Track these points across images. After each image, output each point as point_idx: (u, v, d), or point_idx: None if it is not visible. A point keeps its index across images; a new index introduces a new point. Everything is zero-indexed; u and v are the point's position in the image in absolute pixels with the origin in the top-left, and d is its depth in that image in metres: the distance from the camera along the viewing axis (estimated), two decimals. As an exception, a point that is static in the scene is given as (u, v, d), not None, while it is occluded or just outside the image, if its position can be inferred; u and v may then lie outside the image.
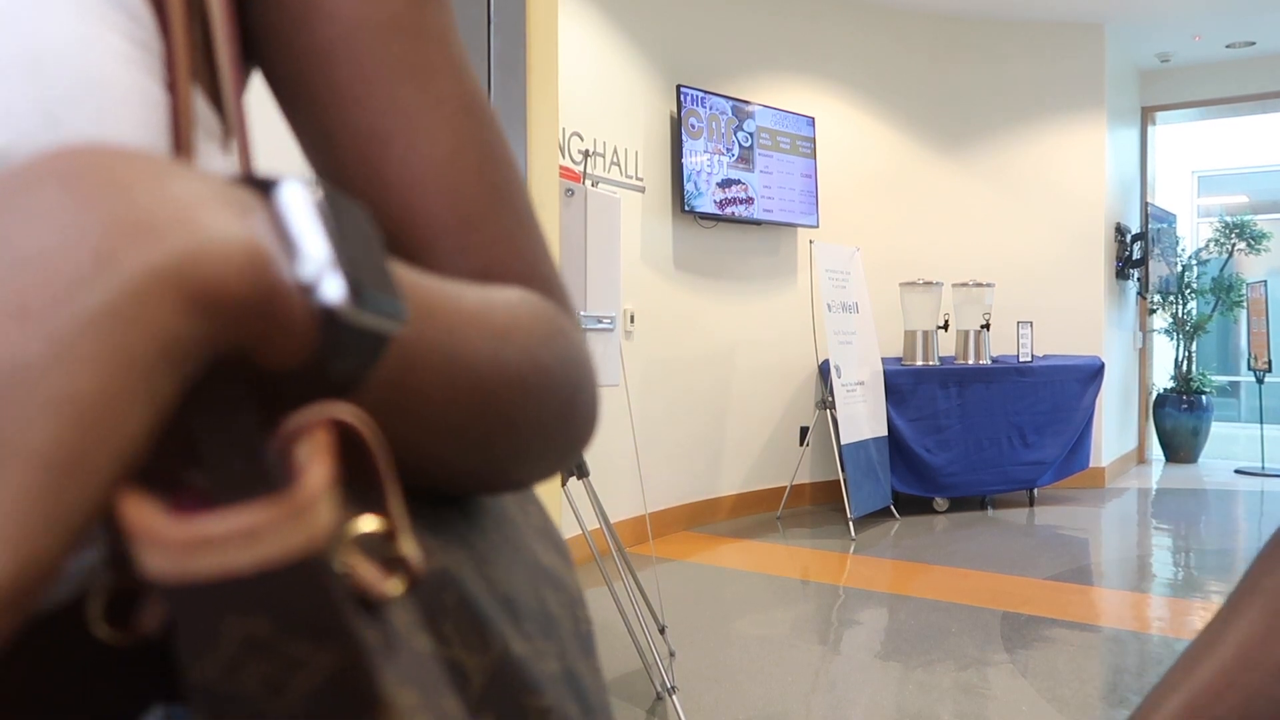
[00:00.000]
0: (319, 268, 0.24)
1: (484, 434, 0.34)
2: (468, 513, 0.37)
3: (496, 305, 0.36)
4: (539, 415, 0.37)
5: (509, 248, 0.41)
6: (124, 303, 0.20)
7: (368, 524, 0.26)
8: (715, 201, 5.16)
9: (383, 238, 0.28)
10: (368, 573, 0.25)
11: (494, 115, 0.43)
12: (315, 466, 0.23)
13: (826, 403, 5.18)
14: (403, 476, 0.30)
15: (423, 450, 0.33)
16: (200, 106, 0.36)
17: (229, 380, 0.23)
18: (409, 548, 0.27)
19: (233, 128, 0.38)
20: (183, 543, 0.21)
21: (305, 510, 0.22)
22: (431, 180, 0.39)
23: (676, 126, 5.04)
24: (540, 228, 0.44)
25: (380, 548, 0.26)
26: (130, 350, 0.20)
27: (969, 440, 5.46)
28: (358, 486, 0.26)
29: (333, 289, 0.24)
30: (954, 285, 5.75)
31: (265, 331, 0.24)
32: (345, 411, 0.25)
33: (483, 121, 0.42)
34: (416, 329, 0.29)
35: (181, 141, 0.34)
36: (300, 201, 0.25)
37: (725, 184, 5.22)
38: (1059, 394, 5.68)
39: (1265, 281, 7.82)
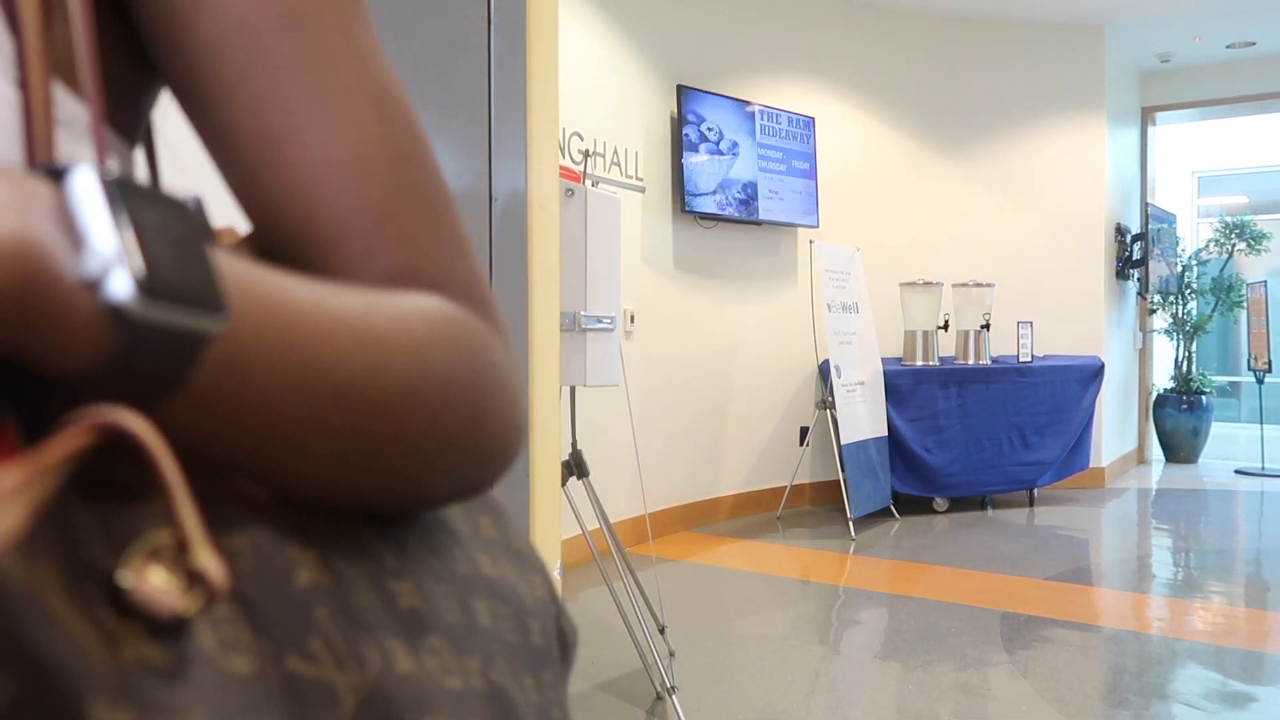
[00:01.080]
0: (104, 261, 0.23)
1: (365, 448, 0.32)
2: (387, 527, 0.36)
3: (382, 311, 0.34)
4: (434, 427, 0.34)
5: (421, 250, 0.38)
6: None
7: (159, 537, 0.24)
8: (715, 201, 5.16)
9: (209, 231, 0.27)
10: (158, 588, 0.24)
11: (411, 110, 0.41)
12: (5, 470, 0.21)
13: (826, 403, 5.18)
14: (291, 492, 0.29)
15: (288, 465, 0.31)
16: (71, 106, 0.34)
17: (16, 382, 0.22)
18: (206, 560, 0.25)
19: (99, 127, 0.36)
20: None
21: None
22: (332, 179, 0.37)
23: (677, 126, 5.04)
24: (462, 229, 0.41)
25: (179, 562, 0.25)
26: None
27: (969, 440, 5.46)
28: (155, 497, 0.25)
29: (120, 284, 0.23)
30: (954, 285, 5.74)
31: (36, 331, 0.22)
32: (121, 416, 0.23)
33: (394, 116, 0.39)
34: (254, 331, 0.28)
35: (34, 139, 0.32)
36: (92, 190, 0.23)
37: (725, 184, 5.22)
38: (1059, 394, 5.68)
39: (1265, 282, 7.82)
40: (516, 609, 0.39)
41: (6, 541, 0.20)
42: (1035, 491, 5.80)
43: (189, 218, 0.26)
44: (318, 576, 0.31)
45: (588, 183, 2.87)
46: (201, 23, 0.36)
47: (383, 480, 0.34)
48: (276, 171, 0.37)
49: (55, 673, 0.21)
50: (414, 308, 0.35)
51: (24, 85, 0.33)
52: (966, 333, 5.65)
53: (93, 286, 0.23)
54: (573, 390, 2.97)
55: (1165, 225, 7.65)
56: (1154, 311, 7.67)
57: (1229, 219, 7.95)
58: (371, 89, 0.39)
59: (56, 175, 0.24)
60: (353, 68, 0.38)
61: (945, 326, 5.64)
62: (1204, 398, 7.54)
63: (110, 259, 0.23)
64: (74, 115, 0.34)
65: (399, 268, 0.37)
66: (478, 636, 0.36)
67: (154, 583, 0.24)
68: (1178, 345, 7.70)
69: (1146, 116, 7.54)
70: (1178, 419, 7.56)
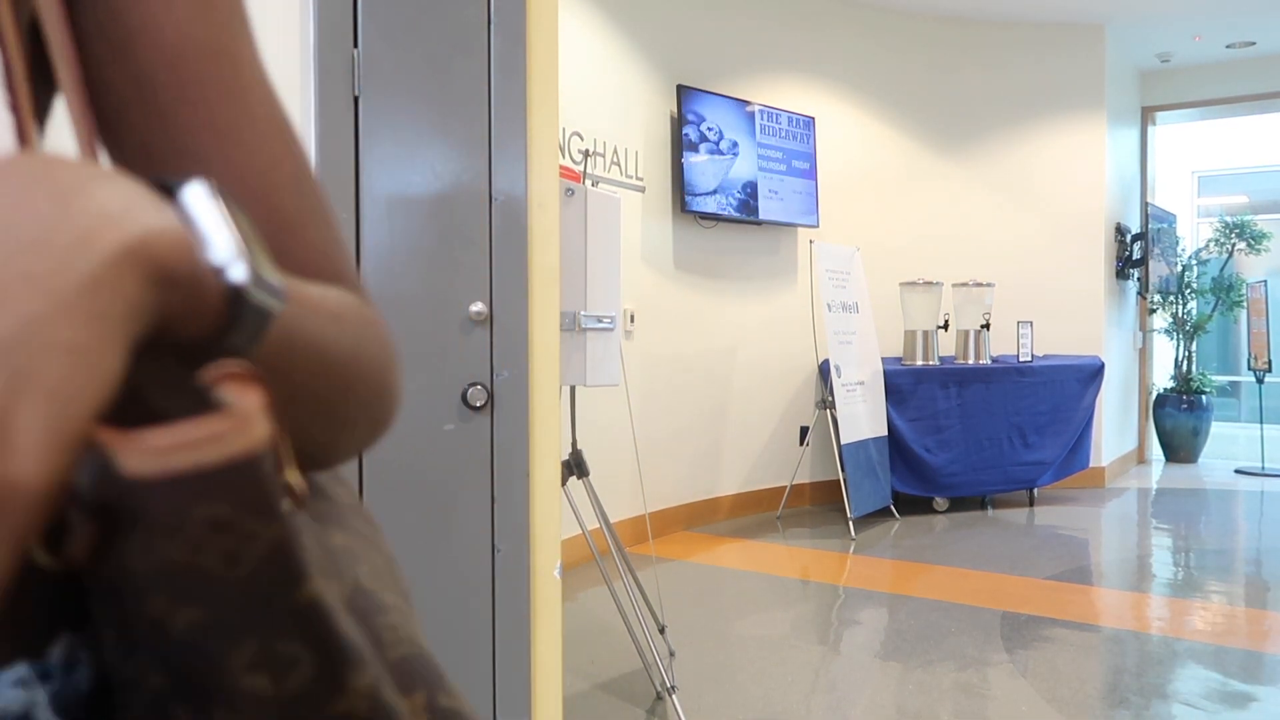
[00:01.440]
0: (229, 254, 0.30)
1: (329, 410, 0.39)
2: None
3: (330, 297, 0.40)
4: (362, 393, 0.41)
5: (321, 251, 0.45)
6: (104, 273, 0.25)
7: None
8: (715, 201, 5.16)
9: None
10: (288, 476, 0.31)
11: (296, 133, 0.47)
12: (252, 391, 0.29)
13: (826, 402, 5.18)
14: None
15: (292, 422, 0.36)
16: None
17: (158, 345, 0.29)
18: (294, 476, 0.32)
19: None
20: (165, 446, 0.27)
21: (252, 420, 0.28)
22: (249, 190, 0.43)
23: (677, 126, 5.04)
24: (342, 234, 0.48)
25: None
26: (110, 309, 0.25)
27: (969, 440, 5.46)
28: None
29: (238, 271, 0.30)
30: (954, 285, 5.75)
31: (189, 303, 0.29)
32: (245, 365, 0.30)
33: (291, 139, 0.45)
34: (289, 311, 0.34)
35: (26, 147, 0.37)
36: (205, 200, 0.31)
37: (725, 184, 5.22)
38: (1059, 394, 5.68)
39: (1265, 281, 7.82)
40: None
41: (266, 442, 0.29)
42: (1035, 491, 5.80)
43: (247, 219, 0.33)
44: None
45: (588, 182, 2.87)
46: (139, 54, 0.42)
47: (333, 437, 0.41)
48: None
49: (296, 528, 0.29)
50: (346, 298, 0.42)
51: (15, 108, 0.37)
52: (966, 332, 5.65)
53: (219, 272, 0.30)
54: (573, 390, 2.97)
55: (1165, 225, 7.65)
56: (1154, 311, 7.67)
57: (1229, 219, 7.95)
58: (275, 115, 0.45)
59: (163, 188, 0.31)
60: (263, 97, 0.45)
61: (945, 326, 5.64)
62: (1204, 397, 7.54)
63: (232, 251, 0.30)
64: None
65: (306, 265, 0.43)
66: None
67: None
68: (1178, 345, 7.70)
69: (1146, 116, 7.54)
70: (1178, 419, 7.56)
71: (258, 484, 0.28)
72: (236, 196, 0.40)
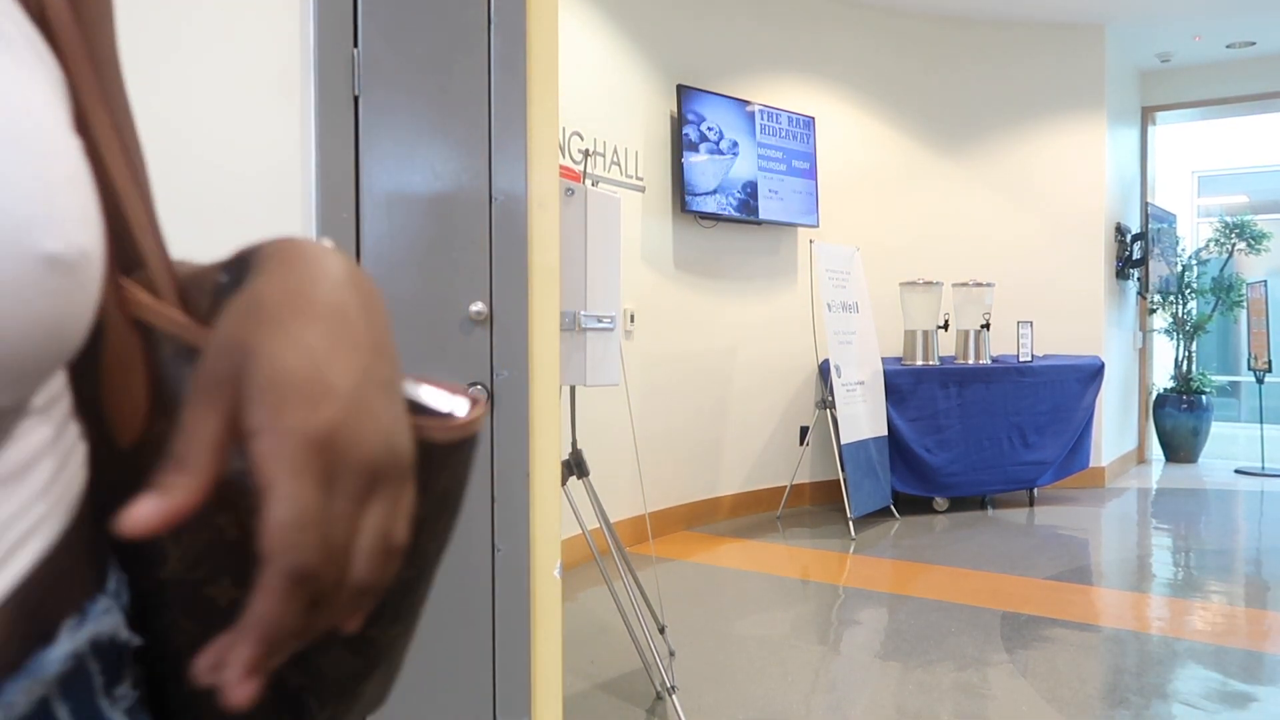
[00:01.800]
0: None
1: None
2: None
3: None
4: None
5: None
6: (402, 410, 0.38)
7: None
8: (715, 201, 5.16)
9: None
10: None
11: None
12: (480, 402, 0.44)
13: (826, 402, 5.18)
14: None
15: None
16: None
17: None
18: None
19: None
20: (466, 422, 0.42)
21: (483, 414, 0.45)
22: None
23: (677, 126, 5.04)
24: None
25: None
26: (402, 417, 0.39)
27: (969, 440, 5.46)
28: None
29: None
30: (954, 285, 5.74)
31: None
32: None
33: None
34: None
35: (113, 182, 0.42)
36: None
37: (725, 184, 5.22)
38: (1059, 394, 5.68)
39: (1265, 281, 7.82)
40: None
41: (480, 420, 0.43)
42: (1035, 491, 5.80)
43: None
44: None
45: (588, 182, 2.87)
46: None
47: None
48: None
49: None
50: None
51: (84, 130, 0.39)
52: (966, 332, 5.65)
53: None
54: (573, 390, 2.96)
55: (1165, 225, 7.65)
56: (1154, 311, 7.66)
57: (1229, 219, 7.95)
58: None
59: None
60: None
61: (945, 326, 5.63)
62: (1204, 397, 7.54)
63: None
64: None
65: None
66: None
67: None
68: (1178, 345, 7.69)
69: (1146, 116, 7.54)
70: (1178, 419, 7.55)
71: (474, 449, 0.44)
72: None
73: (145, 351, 0.41)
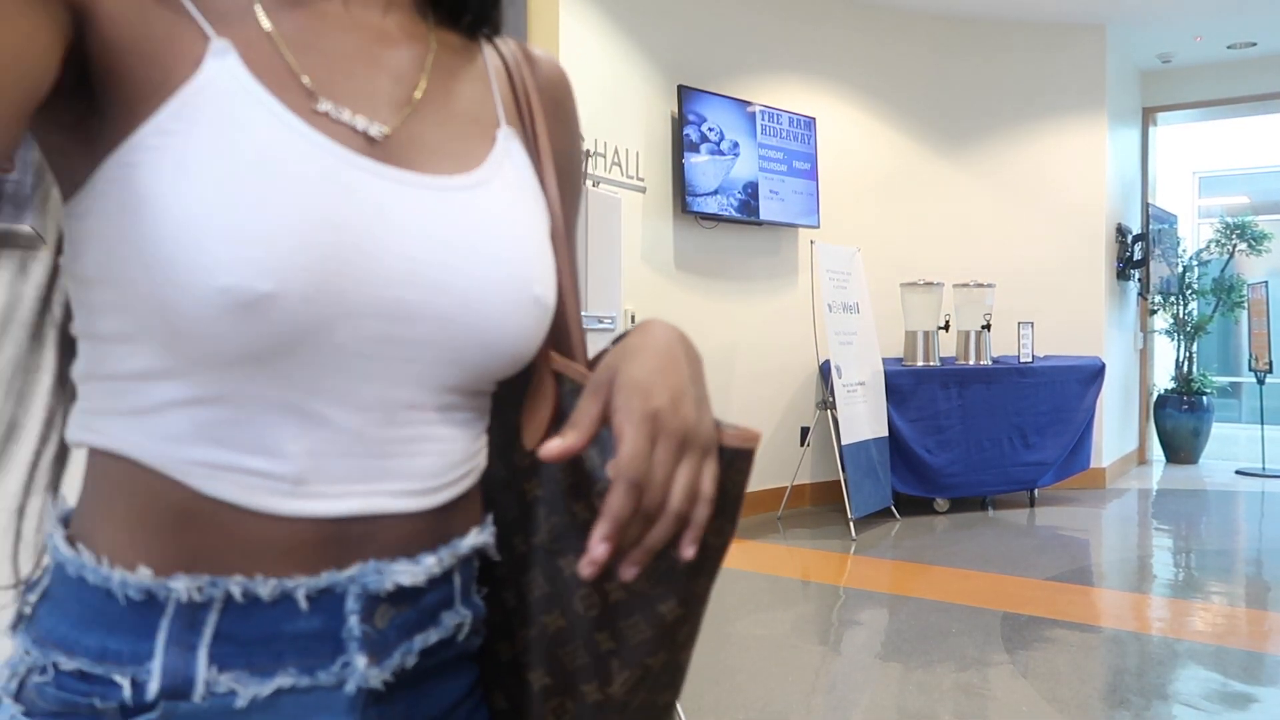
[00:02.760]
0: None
1: None
2: None
3: None
4: None
5: None
6: (708, 412, 0.58)
7: None
8: (716, 202, 5.16)
9: None
10: None
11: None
12: (758, 435, 0.60)
13: (827, 403, 5.18)
14: None
15: None
16: None
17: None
18: None
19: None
20: (748, 435, 0.59)
21: (759, 438, 0.60)
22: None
23: (677, 126, 5.04)
24: None
25: None
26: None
27: (969, 441, 5.46)
28: None
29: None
30: (955, 286, 5.74)
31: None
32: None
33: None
34: None
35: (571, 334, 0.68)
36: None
37: (726, 184, 5.22)
38: (1060, 395, 5.68)
39: (1266, 282, 7.81)
40: None
41: (758, 441, 0.60)
42: (1036, 492, 5.79)
43: None
44: None
45: (588, 183, 2.87)
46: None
47: None
48: None
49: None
50: None
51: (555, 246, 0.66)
52: (967, 333, 5.65)
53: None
54: (573, 390, 2.96)
55: (1166, 226, 7.65)
56: (1155, 312, 7.66)
57: (1230, 219, 7.95)
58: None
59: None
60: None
61: (946, 327, 5.63)
62: (1204, 398, 7.53)
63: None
64: None
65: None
66: None
67: None
68: (1178, 346, 7.69)
69: (1147, 117, 7.54)
70: (1178, 419, 7.55)
71: (751, 459, 0.60)
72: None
73: (556, 391, 0.64)
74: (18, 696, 0.52)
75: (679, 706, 2.68)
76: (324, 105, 0.54)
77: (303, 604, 0.52)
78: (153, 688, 0.50)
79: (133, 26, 0.50)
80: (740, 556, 4.60)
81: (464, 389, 0.59)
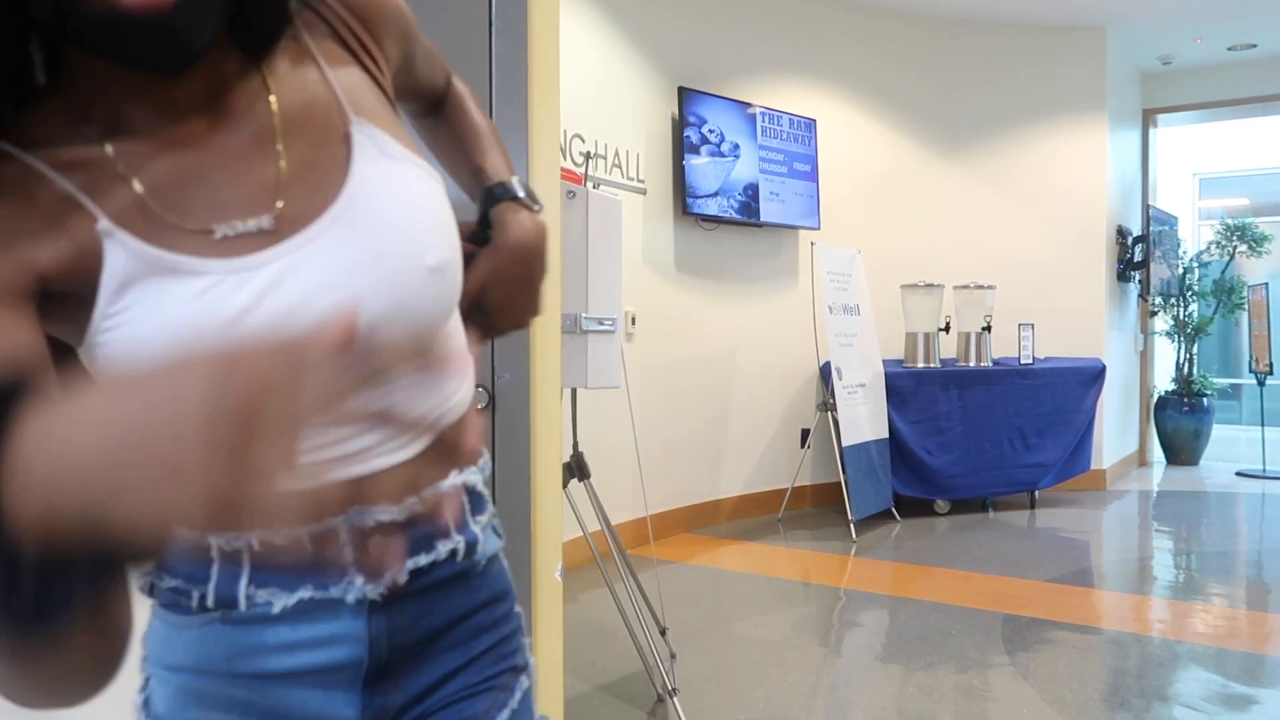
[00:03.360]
0: None
1: None
2: None
3: None
4: None
5: None
6: None
7: None
8: (716, 203, 5.16)
9: None
10: None
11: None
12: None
13: (827, 405, 5.18)
14: None
15: None
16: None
17: None
18: None
19: None
20: None
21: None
22: None
23: (678, 128, 5.05)
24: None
25: None
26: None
27: (970, 442, 5.45)
28: None
29: None
30: (955, 287, 5.74)
31: None
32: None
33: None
34: None
35: None
36: None
37: (726, 186, 5.23)
38: (1060, 396, 5.68)
39: (1266, 284, 7.81)
40: None
41: None
42: (1036, 493, 5.79)
43: None
44: None
45: (589, 185, 2.87)
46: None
47: None
48: None
49: None
50: None
51: None
52: (968, 335, 5.65)
53: None
54: (574, 392, 2.97)
55: (1166, 227, 7.65)
56: (1155, 313, 7.66)
57: (1230, 221, 7.95)
58: None
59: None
60: None
61: (946, 328, 5.63)
62: (1205, 400, 7.53)
63: None
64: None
65: None
66: None
67: None
68: (1179, 347, 7.69)
69: (1148, 118, 7.54)
70: (1179, 421, 7.55)
71: None
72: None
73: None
74: (149, 592, 0.70)
75: (680, 709, 2.67)
76: (220, 231, 0.61)
77: (308, 544, 0.65)
78: (210, 600, 0.67)
79: (58, 249, 0.58)
80: (741, 558, 4.60)
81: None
